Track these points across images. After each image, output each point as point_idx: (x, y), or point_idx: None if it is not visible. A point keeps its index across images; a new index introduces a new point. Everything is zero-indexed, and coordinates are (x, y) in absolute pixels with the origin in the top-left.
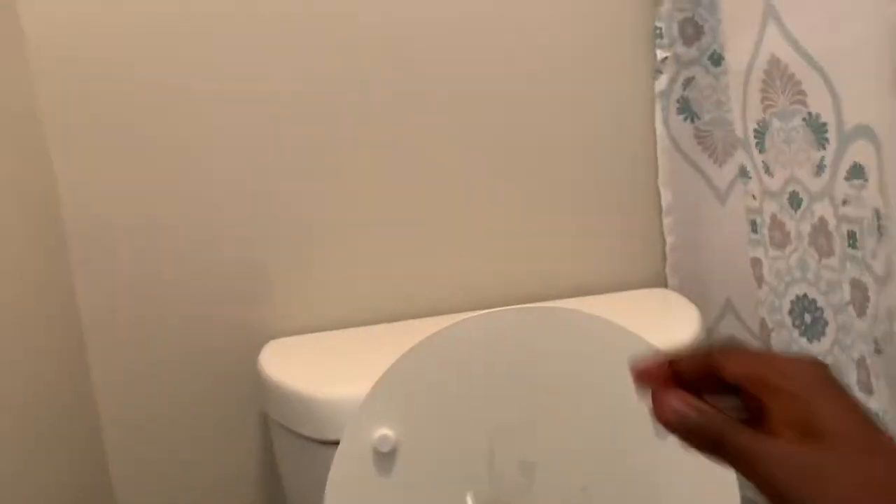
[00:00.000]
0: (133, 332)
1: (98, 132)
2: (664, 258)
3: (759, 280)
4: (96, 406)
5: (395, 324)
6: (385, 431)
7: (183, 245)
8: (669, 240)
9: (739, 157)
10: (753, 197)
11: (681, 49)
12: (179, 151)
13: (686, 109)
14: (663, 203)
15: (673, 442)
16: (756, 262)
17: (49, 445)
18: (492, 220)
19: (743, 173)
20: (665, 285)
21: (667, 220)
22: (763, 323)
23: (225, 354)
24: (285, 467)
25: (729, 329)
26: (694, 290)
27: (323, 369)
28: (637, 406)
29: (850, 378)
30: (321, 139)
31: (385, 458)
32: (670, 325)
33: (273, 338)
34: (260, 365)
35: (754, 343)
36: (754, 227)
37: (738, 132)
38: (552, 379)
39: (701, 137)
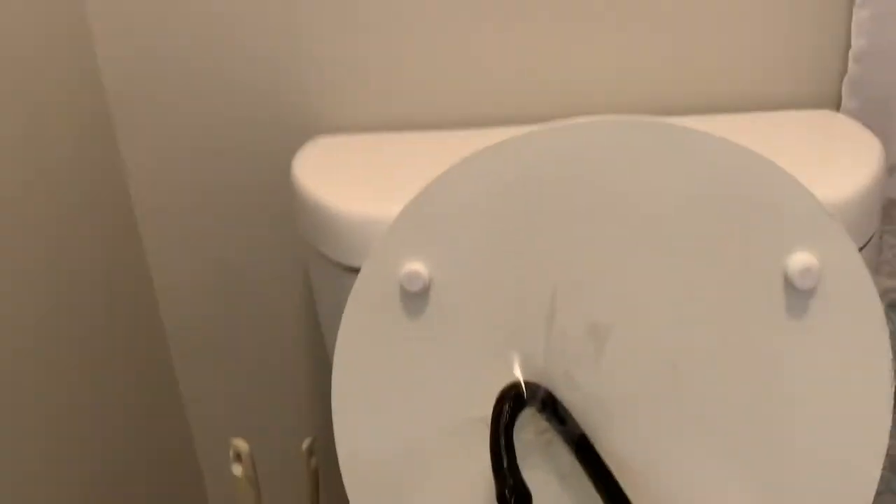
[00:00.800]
0: (161, 116)
1: None
2: (842, 72)
3: None
4: (129, 194)
5: (478, 130)
6: (416, 266)
7: (213, 22)
8: (857, 44)
9: None
10: None
11: None
12: None
13: None
14: None
15: (812, 325)
16: None
17: (82, 228)
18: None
19: None
20: (837, 108)
21: (859, 15)
22: None
23: (262, 150)
24: (316, 289)
25: None
26: (876, 118)
27: (362, 179)
28: (764, 269)
29: None
30: None
31: (414, 298)
32: (836, 159)
33: (318, 134)
34: (293, 167)
35: None
36: None
37: None
38: (647, 220)
39: None
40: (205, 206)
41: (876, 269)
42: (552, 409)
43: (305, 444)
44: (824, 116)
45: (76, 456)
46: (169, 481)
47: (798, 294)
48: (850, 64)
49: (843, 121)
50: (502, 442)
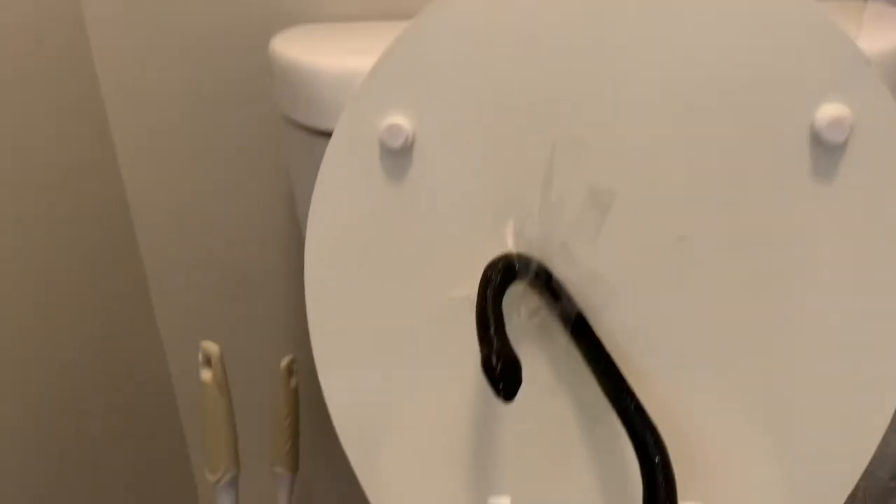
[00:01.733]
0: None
1: None
2: None
3: None
4: (100, 87)
5: None
6: (396, 119)
7: None
8: None
9: None
10: None
11: None
12: None
13: None
14: None
15: (842, 186)
16: None
17: (55, 133)
18: None
19: None
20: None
21: None
22: None
23: (241, 37)
24: (295, 174)
25: None
26: None
27: (340, 46)
28: (789, 123)
29: None
30: None
31: (395, 156)
32: (869, 25)
33: (299, 22)
34: (271, 42)
35: None
36: None
37: None
38: (658, 67)
39: None
40: (180, 101)
41: None
42: (546, 283)
43: (284, 362)
44: (853, 4)
45: (43, 358)
46: (137, 391)
47: (827, 150)
48: None
49: (875, 5)
50: (489, 306)
